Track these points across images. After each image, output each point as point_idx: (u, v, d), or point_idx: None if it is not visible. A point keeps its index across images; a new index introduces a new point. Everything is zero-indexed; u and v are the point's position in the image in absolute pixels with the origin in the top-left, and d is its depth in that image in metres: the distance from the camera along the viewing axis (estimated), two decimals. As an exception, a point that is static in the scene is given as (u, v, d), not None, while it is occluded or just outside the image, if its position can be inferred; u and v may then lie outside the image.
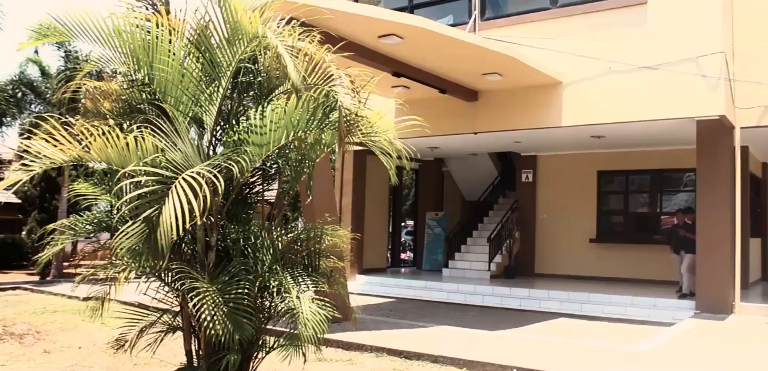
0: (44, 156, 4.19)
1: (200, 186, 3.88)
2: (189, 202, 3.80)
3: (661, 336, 9.85)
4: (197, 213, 3.82)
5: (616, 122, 12.53)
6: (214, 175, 4.04)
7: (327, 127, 4.71)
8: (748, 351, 9.03)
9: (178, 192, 3.85)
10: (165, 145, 4.35)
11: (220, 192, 4.13)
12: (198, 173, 3.97)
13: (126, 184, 4.39)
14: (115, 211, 4.86)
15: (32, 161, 4.18)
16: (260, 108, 4.61)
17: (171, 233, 3.73)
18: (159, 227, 3.79)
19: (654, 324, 11.45)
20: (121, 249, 4.13)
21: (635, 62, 11.92)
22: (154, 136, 4.38)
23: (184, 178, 3.93)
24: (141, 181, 4.10)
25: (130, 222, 4.02)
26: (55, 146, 4.23)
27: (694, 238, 12.38)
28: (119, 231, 4.06)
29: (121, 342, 5.22)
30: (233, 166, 4.25)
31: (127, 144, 4.21)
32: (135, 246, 4.13)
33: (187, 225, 3.81)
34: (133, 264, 4.50)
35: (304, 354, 4.96)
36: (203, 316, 4.32)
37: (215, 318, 4.27)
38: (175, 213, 3.75)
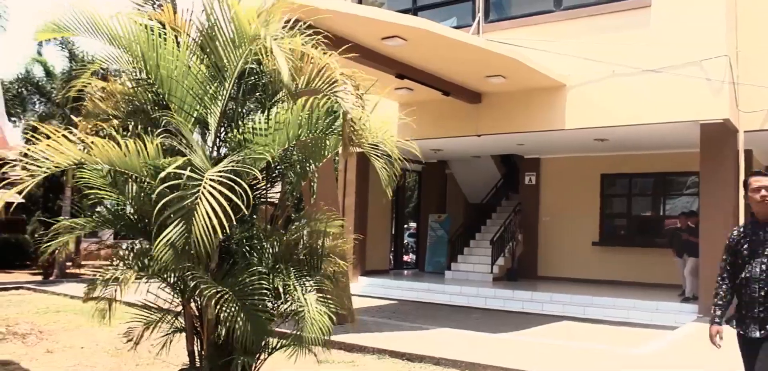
0: (48, 159, 4.19)
1: (237, 185, 3.92)
2: (220, 204, 3.83)
3: (663, 340, 9.84)
4: (244, 210, 3.82)
5: (620, 125, 12.53)
6: (237, 176, 4.06)
7: (331, 132, 4.71)
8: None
9: (211, 194, 3.89)
10: (183, 148, 4.35)
11: (246, 192, 4.14)
12: (223, 175, 4.00)
13: (131, 185, 4.39)
14: (134, 215, 4.86)
15: (32, 164, 4.18)
16: (265, 110, 4.62)
17: (211, 238, 3.76)
18: (193, 233, 3.81)
19: (656, 328, 11.42)
20: (162, 256, 4.11)
21: (639, 65, 11.91)
22: (166, 139, 4.39)
23: (208, 181, 3.96)
24: (161, 188, 4.10)
25: (169, 229, 4.01)
26: (57, 151, 4.24)
27: (697, 242, 12.36)
28: (160, 239, 4.04)
29: (134, 339, 5.21)
30: (250, 169, 4.27)
31: (128, 147, 4.23)
32: (176, 252, 4.12)
33: (225, 227, 3.84)
34: (171, 268, 4.50)
35: (315, 354, 4.95)
36: (224, 316, 4.33)
37: (237, 318, 4.30)
38: (213, 215, 3.80)
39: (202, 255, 3.90)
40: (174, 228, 3.98)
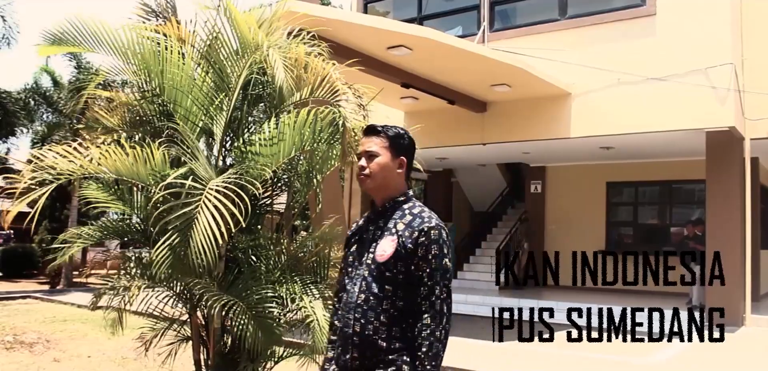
0: (56, 170, 4.22)
1: (235, 197, 3.91)
2: (222, 214, 3.81)
3: (670, 349, 9.80)
4: (241, 221, 3.79)
5: (625, 133, 12.52)
6: (239, 188, 4.06)
7: (334, 141, 4.73)
8: (758, 364, 8.97)
9: (207, 206, 3.87)
10: (187, 158, 4.37)
11: (245, 204, 4.14)
12: (225, 186, 4.01)
13: (137, 196, 4.41)
14: (142, 225, 4.87)
15: (41, 171, 4.21)
16: (270, 120, 4.63)
17: (211, 248, 3.74)
18: (192, 243, 3.79)
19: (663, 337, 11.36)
20: (160, 268, 4.10)
21: (644, 73, 11.91)
22: (171, 148, 4.41)
23: (211, 191, 3.96)
24: (162, 196, 4.10)
25: (164, 240, 4.01)
26: (66, 157, 4.27)
27: (705, 250, 12.31)
28: (155, 251, 4.05)
29: (144, 347, 5.23)
30: (251, 181, 4.27)
31: (136, 155, 4.25)
32: (173, 264, 4.12)
33: (225, 237, 3.81)
34: (169, 280, 4.50)
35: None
36: (233, 325, 4.35)
37: (247, 327, 4.31)
38: (211, 227, 3.77)
39: (203, 264, 3.88)
40: (173, 235, 3.98)
